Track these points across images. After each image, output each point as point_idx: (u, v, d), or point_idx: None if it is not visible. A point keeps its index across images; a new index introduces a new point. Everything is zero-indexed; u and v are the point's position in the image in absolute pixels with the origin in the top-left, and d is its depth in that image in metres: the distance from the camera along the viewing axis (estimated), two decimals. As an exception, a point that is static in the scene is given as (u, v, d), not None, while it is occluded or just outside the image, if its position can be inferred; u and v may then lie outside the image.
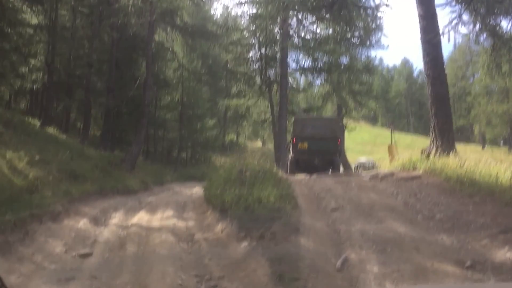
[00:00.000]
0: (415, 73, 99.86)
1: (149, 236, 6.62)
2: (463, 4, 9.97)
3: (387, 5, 23.16)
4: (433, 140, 10.19)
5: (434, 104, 10.35)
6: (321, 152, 14.36)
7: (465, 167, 8.35)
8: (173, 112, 32.87)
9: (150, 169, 22.25)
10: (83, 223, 7.43)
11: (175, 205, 9.96)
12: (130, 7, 18.85)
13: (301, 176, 11.60)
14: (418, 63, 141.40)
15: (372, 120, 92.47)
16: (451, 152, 9.39)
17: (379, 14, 21.57)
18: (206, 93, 32.98)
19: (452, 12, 10.23)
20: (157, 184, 19.00)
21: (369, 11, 23.18)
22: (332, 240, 5.67)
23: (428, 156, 9.76)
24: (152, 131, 29.98)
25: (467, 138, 75.68)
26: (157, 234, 6.67)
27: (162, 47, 25.33)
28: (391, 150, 15.71)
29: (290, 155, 15.50)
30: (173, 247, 6.00)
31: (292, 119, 24.08)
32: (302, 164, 14.85)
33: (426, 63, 10.49)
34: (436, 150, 9.61)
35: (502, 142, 67.82)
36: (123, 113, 23.65)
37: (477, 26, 10.35)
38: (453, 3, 10.22)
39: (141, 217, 8.22)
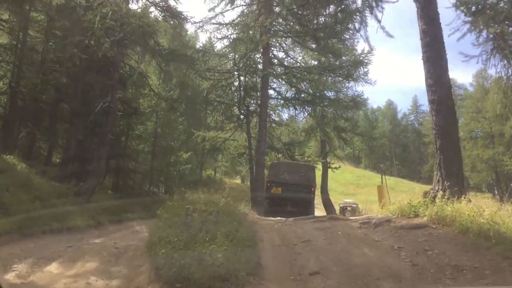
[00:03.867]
0: (399, 115, 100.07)
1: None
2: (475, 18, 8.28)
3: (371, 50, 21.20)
4: (438, 180, 8.21)
5: (439, 135, 8.46)
6: (294, 199, 14.56)
7: (486, 216, 6.36)
8: (146, 143, 30.74)
9: (112, 204, 19.78)
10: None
11: (110, 252, 7.72)
12: (96, 23, 17.03)
13: (275, 219, 9.45)
14: (402, 106, 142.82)
15: (356, 161, 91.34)
16: (462, 196, 7.42)
17: (367, 54, 20.27)
18: (182, 124, 30.96)
19: (465, 22, 8.50)
20: (115, 222, 16.55)
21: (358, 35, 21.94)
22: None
23: (433, 199, 7.76)
24: (122, 163, 27.69)
25: (451, 182, 74.61)
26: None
27: (135, 72, 23.49)
28: (381, 191, 13.65)
29: (266, 198, 15.85)
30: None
31: (272, 154, 22.26)
32: (276, 209, 14.75)
33: (429, 86, 8.64)
34: (444, 193, 7.63)
35: (486, 188, 66.62)
36: (88, 141, 21.38)
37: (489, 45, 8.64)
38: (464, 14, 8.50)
39: (49, 272, 5.96)
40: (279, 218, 9.63)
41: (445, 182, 7.93)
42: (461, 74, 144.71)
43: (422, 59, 8.78)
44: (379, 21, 10.33)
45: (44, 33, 22.10)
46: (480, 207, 6.69)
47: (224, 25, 19.49)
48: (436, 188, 8.08)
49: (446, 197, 7.52)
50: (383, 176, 13.90)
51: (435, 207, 7.38)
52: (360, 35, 12.80)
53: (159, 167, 29.65)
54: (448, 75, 8.71)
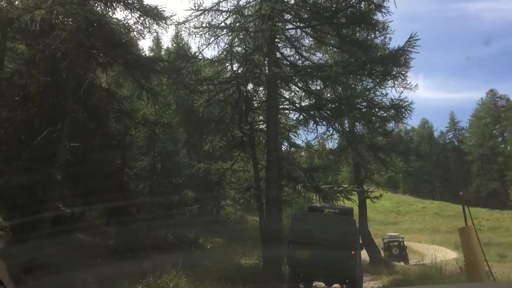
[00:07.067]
0: (436, 134, 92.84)
1: None
2: None
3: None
4: None
5: None
6: (328, 267, 10.70)
7: None
8: (147, 182, 25.86)
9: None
10: None
11: None
12: (34, 23, 12.46)
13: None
14: (438, 124, 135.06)
15: (393, 185, 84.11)
16: None
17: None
18: (185, 156, 26.04)
19: None
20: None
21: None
22: None
23: None
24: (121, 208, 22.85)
25: (502, 203, 66.44)
26: None
27: (124, 99, 18.80)
28: (468, 241, 7.00)
29: (289, 262, 11.94)
30: None
31: (289, 185, 16.89)
32: (303, 282, 11.95)
33: None
34: None
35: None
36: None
37: None
38: None
39: None
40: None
41: None
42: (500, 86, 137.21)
43: None
44: None
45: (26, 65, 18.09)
46: None
47: (215, 18, 14.62)
48: None
49: None
50: (467, 210, 7.46)
51: None
52: None
53: (161, 210, 24.69)
54: None
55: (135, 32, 16.02)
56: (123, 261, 14.26)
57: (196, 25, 14.74)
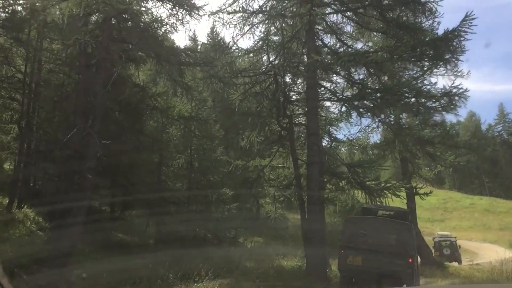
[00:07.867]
0: (483, 127, 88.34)
1: None
2: None
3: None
4: None
5: None
6: (383, 275, 9.97)
7: None
8: (184, 180, 25.43)
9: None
10: None
11: None
12: (62, 16, 12.00)
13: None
14: (486, 116, 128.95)
15: (438, 181, 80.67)
16: None
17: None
18: (223, 154, 25.40)
19: None
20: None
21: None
22: None
23: None
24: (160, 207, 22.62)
25: None
26: None
27: (158, 95, 18.31)
28: None
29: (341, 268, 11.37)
30: None
31: (332, 181, 15.78)
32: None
33: None
34: None
35: None
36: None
37: None
38: None
39: None
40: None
41: None
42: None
43: None
44: None
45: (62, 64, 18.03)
46: None
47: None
48: None
49: None
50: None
51: None
52: None
53: (199, 208, 24.15)
54: None
55: (167, 26, 15.50)
56: (159, 261, 13.71)
57: (230, 11, 13.88)
